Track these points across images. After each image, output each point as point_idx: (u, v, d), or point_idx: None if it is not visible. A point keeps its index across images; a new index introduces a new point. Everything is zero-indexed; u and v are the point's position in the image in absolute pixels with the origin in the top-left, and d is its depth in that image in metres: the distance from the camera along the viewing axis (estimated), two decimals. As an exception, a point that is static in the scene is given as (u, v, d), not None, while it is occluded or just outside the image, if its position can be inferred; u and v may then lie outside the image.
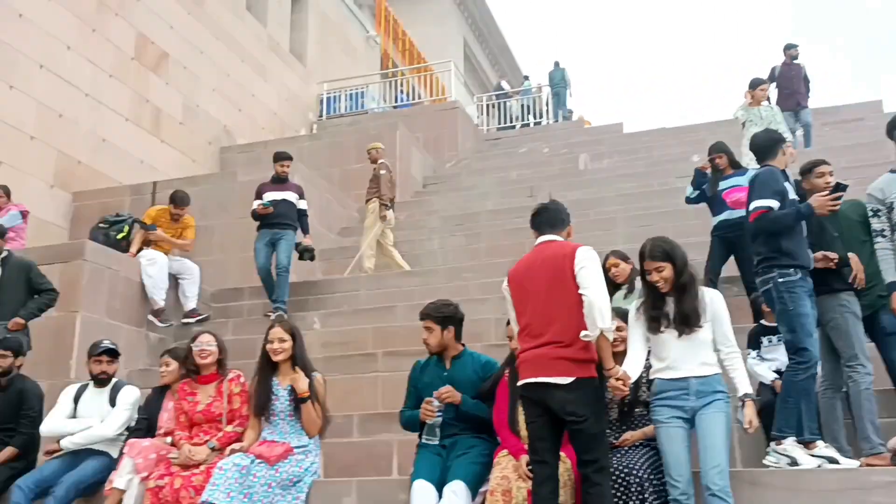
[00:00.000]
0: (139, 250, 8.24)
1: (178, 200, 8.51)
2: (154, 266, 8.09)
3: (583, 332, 3.67)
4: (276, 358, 4.68)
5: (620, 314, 4.22)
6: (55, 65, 11.22)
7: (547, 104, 19.11)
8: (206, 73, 14.36)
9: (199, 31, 14.31)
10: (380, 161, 10.10)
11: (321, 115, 18.11)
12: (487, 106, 19.54)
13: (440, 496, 4.04)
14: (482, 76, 28.02)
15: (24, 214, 8.23)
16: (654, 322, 3.87)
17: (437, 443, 4.33)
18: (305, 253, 8.77)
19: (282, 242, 8.46)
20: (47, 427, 5.10)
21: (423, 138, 15.73)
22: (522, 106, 19.10)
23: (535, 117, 18.90)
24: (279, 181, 8.72)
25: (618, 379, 3.70)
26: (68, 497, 4.68)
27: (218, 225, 10.54)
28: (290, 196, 8.65)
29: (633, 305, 4.08)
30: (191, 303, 8.47)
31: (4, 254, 6.25)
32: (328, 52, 19.15)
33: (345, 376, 6.80)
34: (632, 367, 3.83)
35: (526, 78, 20.29)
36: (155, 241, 8.24)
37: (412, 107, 18.61)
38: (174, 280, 8.49)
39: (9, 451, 5.09)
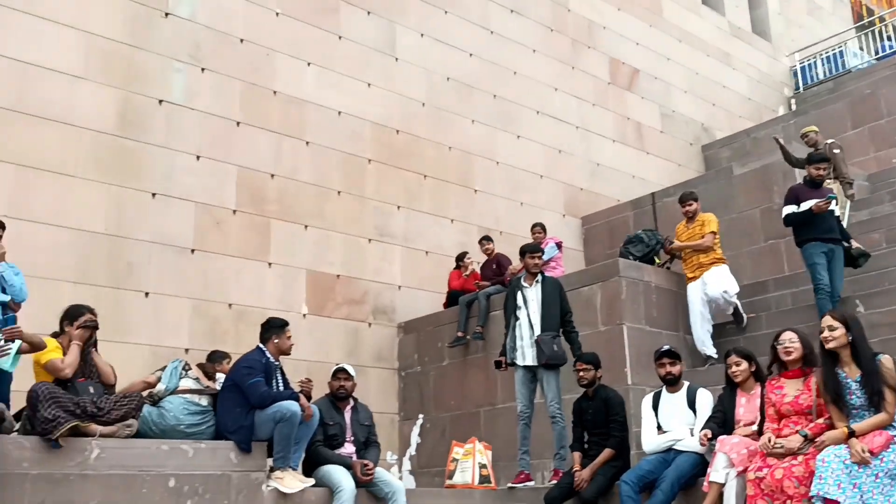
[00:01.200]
0: (665, 262, 8.64)
1: (680, 199, 8.52)
2: (693, 313, 8.09)
3: None
4: (827, 346, 4.63)
5: None
6: (548, 107, 12.56)
7: None
8: (675, 77, 14.70)
9: (663, 40, 14.72)
10: (826, 142, 9.27)
11: (797, 88, 17.09)
12: None
13: None
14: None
15: (559, 245, 9.37)
16: None
17: None
18: (861, 258, 7.80)
19: (837, 265, 7.42)
20: (648, 446, 5.69)
21: (932, 83, 13.82)
22: None
23: None
24: (815, 186, 7.59)
25: None
26: (672, 490, 5.18)
27: (722, 222, 10.57)
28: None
29: None
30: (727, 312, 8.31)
31: (540, 277, 7.07)
32: (792, 21, 18.08)
33: (907, 359, 6.28)
34: None
35: None
36: (678, 250, 8.38)
37: (903, 52, 16.50)
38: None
39: (606, 452, 5.83)
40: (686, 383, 5.74)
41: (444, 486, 7.17)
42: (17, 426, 5.04)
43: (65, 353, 5.19)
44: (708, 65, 15.45)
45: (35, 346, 5.06)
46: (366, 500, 5.79)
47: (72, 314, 5.39)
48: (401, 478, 9.80)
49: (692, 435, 5.47)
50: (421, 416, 9.78)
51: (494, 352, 8.99)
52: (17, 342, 4.87)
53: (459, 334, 9.28)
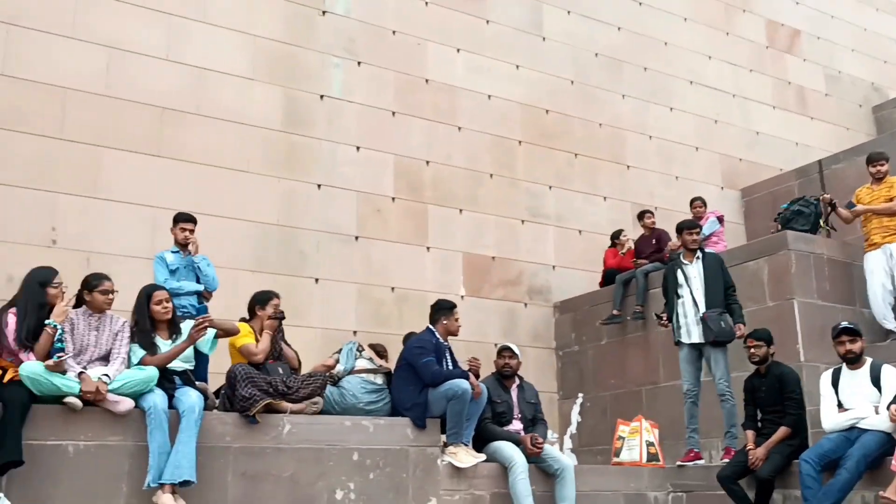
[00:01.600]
0: (827, 218, 8.08)
1: (869, 158, 7.81)
2: (873, 284, 7.52)
3: None
4: None
5: None
6: (701, 77, 12.15)
7: None
8: (840, 36, 13.82)
9: (826, -4, 13.89)
10: None
11: (983, 37, 15.60)
12: None
13: None
14: None
15: (720, 219, 9.08)
16: None
17: None
18: None
19: None
20: (828, 425, 5.45)
21: None
22: None
23: None
24: None
25: None
26: (858, 470, 4.98)
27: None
28: None
29: None
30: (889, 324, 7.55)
31: (700, 253, 6.91)
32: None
33: None
34: None
35: None
36: (859, 214, 7.72)
37: None
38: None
39: (782, 430, 5.66)
40: (868, 360, 5.47)
41: (610, 463, 7.20)
42: (217, 403, 5.52)
43: (256, 338, 5.62)
44: (878, 19, 14.40)
45: (228, 332, 5.52)
46: (536, 476, 5.92)
47: (261, 299, 5.84)
48: (563, 455, 9.89)
49: (877, 413, 5.21)
50: (580, 394, 9.80)
51: (655, 330, 8.88)
52: (213, 330, 5.32)
53: (615, 312, 9.18)
